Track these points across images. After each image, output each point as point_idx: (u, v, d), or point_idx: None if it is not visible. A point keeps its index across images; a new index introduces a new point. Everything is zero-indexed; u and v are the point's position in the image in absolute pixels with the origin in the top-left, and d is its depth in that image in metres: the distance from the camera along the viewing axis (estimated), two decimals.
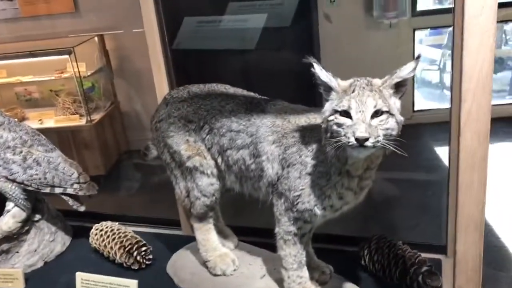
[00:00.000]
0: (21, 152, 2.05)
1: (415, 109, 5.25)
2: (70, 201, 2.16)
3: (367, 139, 1.23)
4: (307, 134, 1.52)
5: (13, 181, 2.05)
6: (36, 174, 2.06)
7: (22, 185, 2.07)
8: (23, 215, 2.12)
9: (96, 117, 4.93)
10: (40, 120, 4.85)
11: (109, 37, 5.17)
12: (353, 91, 1.27)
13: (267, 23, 4.49)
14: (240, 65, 5.18)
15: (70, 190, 2.13)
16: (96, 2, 4.93)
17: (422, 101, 5.74)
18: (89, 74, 4.89)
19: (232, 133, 1.67)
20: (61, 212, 2.41)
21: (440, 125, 3.90)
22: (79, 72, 4.68)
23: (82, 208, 2.19)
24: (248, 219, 2.44)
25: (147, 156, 2.08)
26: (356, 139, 1.23)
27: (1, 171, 2.02)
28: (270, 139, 1.59)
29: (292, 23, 4.61)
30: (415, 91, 5.32)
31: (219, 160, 1.75)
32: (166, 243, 2.25)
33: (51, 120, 4.86)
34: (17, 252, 2.15)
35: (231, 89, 1.80)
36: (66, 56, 4.60)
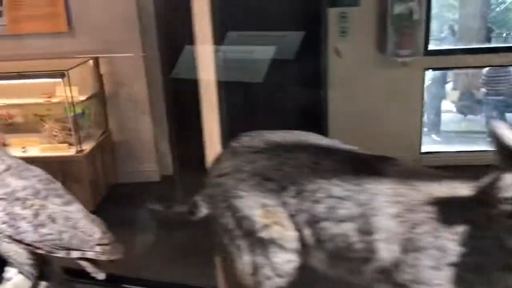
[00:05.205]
0: (32, 205, 1.59)
1: None
2: (89, 268, 1.69)
3: None
4: (449, 210, 1.15)
5: (20, 242, 1.58)
6: (50, 234, 1.60)
7: (31, 248, 1.60)
8: (27, 285, 1.65)
9: (87, 147, 4.44)
10: (23, 147, 4.33)
11: (103, 60, 4.78)
12: None
13: (271, 55, 4.27)
14: (244, 99, 4.94)
15: (90, 254, 1.67)
16: (92, 22, 4.56)
17: None
18: (82, 99, 4.44)
19: (333, 199, 1.28)
20: (64, 271, 1.94)
21: None
22: (72, 97, 4.22)
23: (101, 276, 1.73)
24: None
25: (194, 215, 1.67)
26: None
27: (5, 229, 1.56)
28: (390, 212, 1.21)
29: (298, 55, 4.36)
30: None
31: (306, 232, 1.35)
32: None
33: (36, 148, 4.35)
34: None
35: (323, 140, 1.42)
36: (59, 79, 4.16)
